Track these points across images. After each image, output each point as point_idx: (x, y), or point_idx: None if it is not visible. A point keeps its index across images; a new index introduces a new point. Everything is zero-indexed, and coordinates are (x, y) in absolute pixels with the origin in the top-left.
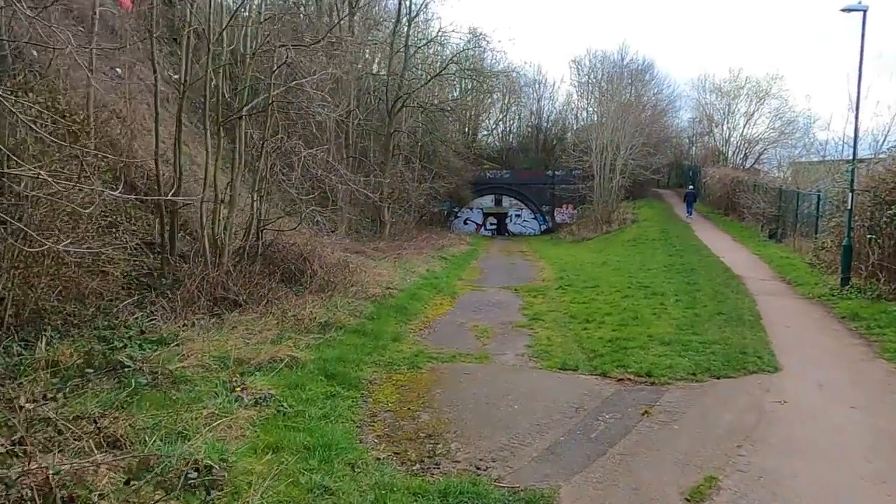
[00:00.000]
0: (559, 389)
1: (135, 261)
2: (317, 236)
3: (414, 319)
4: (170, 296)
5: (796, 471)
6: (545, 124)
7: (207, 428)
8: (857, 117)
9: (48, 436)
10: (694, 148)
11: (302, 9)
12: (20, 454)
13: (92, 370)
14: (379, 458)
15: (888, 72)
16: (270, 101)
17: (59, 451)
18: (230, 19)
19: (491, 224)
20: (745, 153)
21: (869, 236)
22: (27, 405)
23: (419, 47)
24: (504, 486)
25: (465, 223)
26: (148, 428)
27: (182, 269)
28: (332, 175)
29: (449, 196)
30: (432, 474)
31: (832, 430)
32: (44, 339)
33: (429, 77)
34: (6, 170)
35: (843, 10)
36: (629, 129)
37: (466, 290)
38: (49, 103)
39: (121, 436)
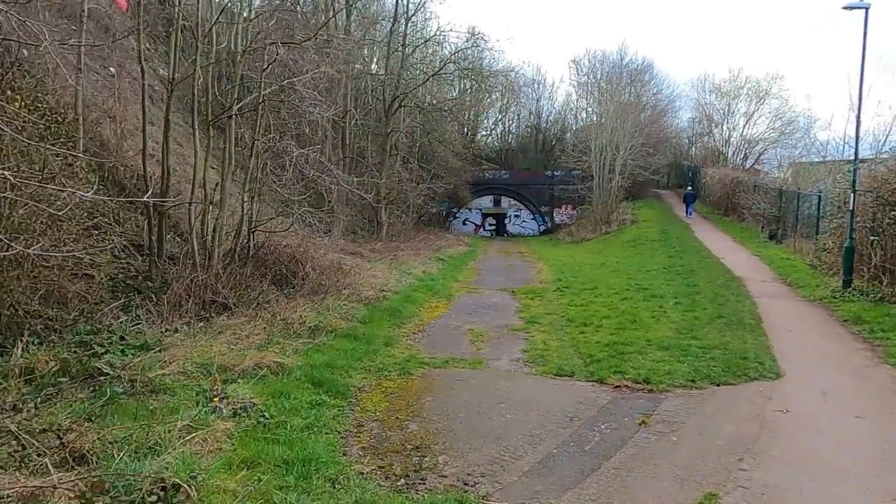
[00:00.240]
0: (554, 397)
1: (122, 263)
2: (310, 237)
3: (408, 323)
4: (156, 299)
5: (801, 486)
6: (544, 124)
7: (181, 441)
8: (858, 116)
9: (12, 450)
10: (693, 148)
11: (299, 6)
12: None
13: (68, 378)
14: (362, 473)
15: (889, 71)
16: (261, 100)
17: (18, 469)
18: (219, 14)
19: (490, 225)
20: (745, 153)
21: (872, 237)
22: None
23: (417, 47)
24: None
25: (464, 224)
26: (118, 441)
27: (170, 272)
28: (325, 175)
29: (447, 197)
30: (417, 491)
31: (838, 441)
32: (20, 345)
33: (426, 77)
34: None
35: (845, 8)
36: (628, 129)
37: (463, 293)
38: (26, 101)
39: (88, 450)
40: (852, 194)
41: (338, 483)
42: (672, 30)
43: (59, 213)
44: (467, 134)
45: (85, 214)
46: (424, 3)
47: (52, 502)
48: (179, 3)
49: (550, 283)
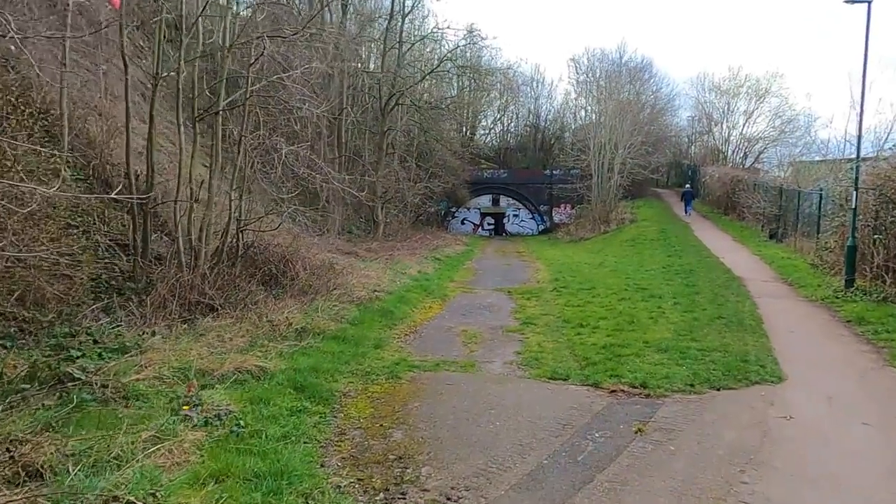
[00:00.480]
0: (547, 402)
1: (106, 263)
2: (301, 237)
3: (400, 324)
4: (140, 300)
5: (806, 501)
6: (543, 123)
7: (144, 454)
8: (861, 112)
9: None
10: (693, 147)
11: (294, 2)
12: None
13: (36, 383)
14: (339, 487)
15: (891, 69)
16: (248, 96)
17: None
18: (205, 6)
19: (488, 224)
20: (745, 152)
21: (875, 236)
22: None
23: (413, 44)
24: None
25: (463, 223)
26: (77, 454)
27: (155, 272)
28: (315, 173)
29: (446, 196)
30: None
31: (845, 451)
32: None
33: (423, 74)
34: None
35: (847, 1)
36: (627, 127)
37: (458, 293)
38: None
39: (43, 464)
40: (855, 192)
41: (311, 498)
42: (671, 28)
43: (33, 212)
44: (466, 133)
45: (67, 213)
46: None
47: None
48: None
49: (547, 283)
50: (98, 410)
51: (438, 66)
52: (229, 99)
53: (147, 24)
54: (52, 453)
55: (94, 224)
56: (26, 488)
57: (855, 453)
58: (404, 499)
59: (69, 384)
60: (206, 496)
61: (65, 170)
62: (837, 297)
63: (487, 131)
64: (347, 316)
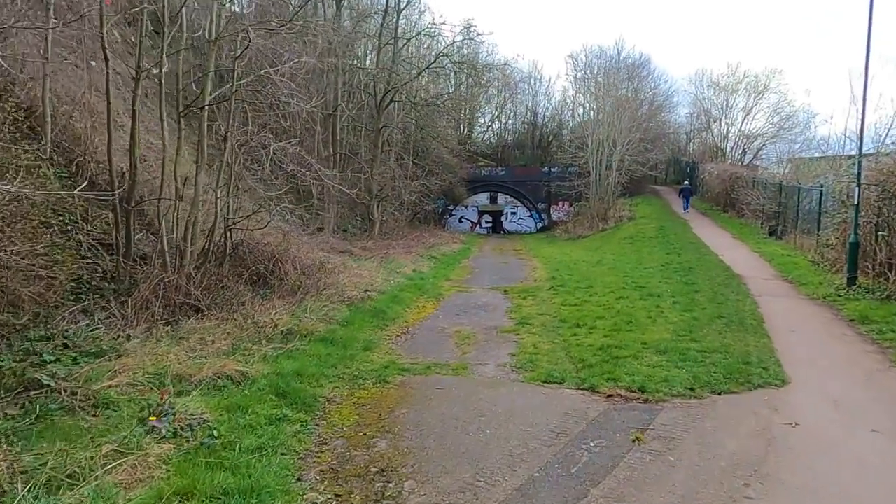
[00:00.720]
0: (540, 409)
1: (88, 263)
2: (293, 235)
3: (391, 325)
4: (120, 302)
5: None
6: (541, 121)
7: (105, 469)
8: (864, 104)
9: None
10: (692, 144)
11: None
12: None
13: (2, 391)
14: (314, 503)
15: (891, 64)
16: (234, 90)
17: None
18: None
19: (486, 222)
20: (744, 149)
21: (880, 233)
22: None
23: (409, 39)
24: None
25: (460, 221)
26: (30, 470)
27: (139, 273)
28: (305, 170)
29: (443, 194)
30: None
31: (855, 462)
32: None
33: (419, 71)
34: None
35: None
36: (626, 124)
37: (453, 292)
38: None
39: None
40: (857, 188)
41: None
42: (669, 26)
43: (3, 209)
44: (463, 130)
45: (49, 212)
46: None
47: None
48: None
49: (544, 282)
50: (63, 420)
51: (434, 61)
52: (215, 94)
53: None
54: (2, 470)
55: (77, 223)
56: None
57: (866, 464)
58: None
59: (35, 392)
60: None
61: (48, 167)
62: (839, 296)
63: (485, 129)
64: (337, 317)
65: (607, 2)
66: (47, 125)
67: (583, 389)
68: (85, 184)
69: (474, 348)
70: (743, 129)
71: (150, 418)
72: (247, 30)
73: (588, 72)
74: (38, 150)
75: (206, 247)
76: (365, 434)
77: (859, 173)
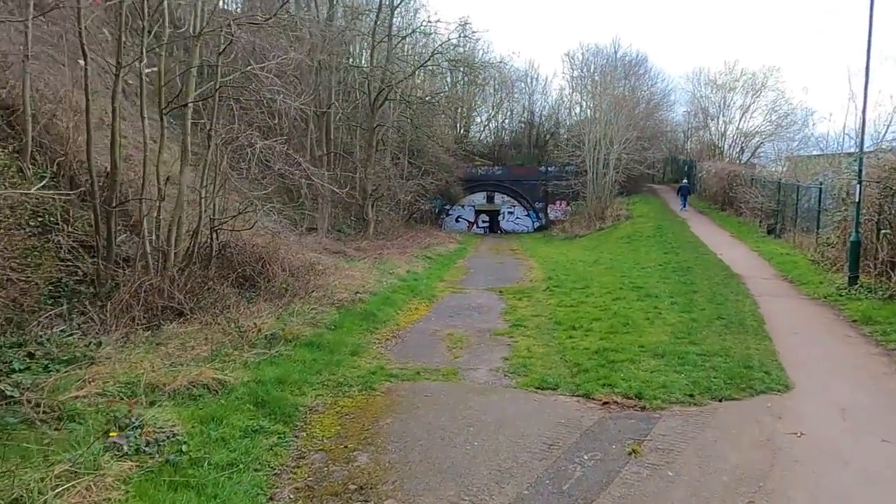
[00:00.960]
0: (532, 417)
1: (68, 265)
2: (282, 235)
3: (382, 328)
4: (100, 306)
5: None
6: (538, 120)
7: (55, 493)
8: (864, 98)
9: None
10: (689, 142)
11: None
12: None
13: None
14: None
15: (890, 61)
16: (218, 87)
17: None
18: None
19: (483, 222)
20: (742, 147)
21: (883, 231)
22: None
23: (404, 37)
24: None
25: (457, 221)
26: None
27: (121, 275)
28: (294, 169)
29: (439, 193)
30: None
31: (866, 476)
32: None
33: (413, 69)
34: None
35: None
36: (623, 123)
37: (447, 293)
38: None
39: None
40: (858, 185)
41: None
42: (666, 24)
43: None
44: (460, 130)
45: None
46: None
47: None
48: None
49: (540, 282)
50: (22, 435)
51: (429, 59)
52: (199, 90)
53: (134, 19)
54: None
55: (57, 224)
56: None
57: (877, 479)
58: None
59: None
60: None
61: (27, 167)
62: (841, 295)
63: (482, 128)
64: (325, 320)
65: (604, 1)
66: (28, 123)
67: (577, 396)
68: (66, 184)
69: (466, 352)
70: (741, 127)
71: (111, 433)
72: (231, 24)
73: (585, 70)
74: (16, 148)
75: (191, 248)
76: (346, 447)
77: (860, 170)
